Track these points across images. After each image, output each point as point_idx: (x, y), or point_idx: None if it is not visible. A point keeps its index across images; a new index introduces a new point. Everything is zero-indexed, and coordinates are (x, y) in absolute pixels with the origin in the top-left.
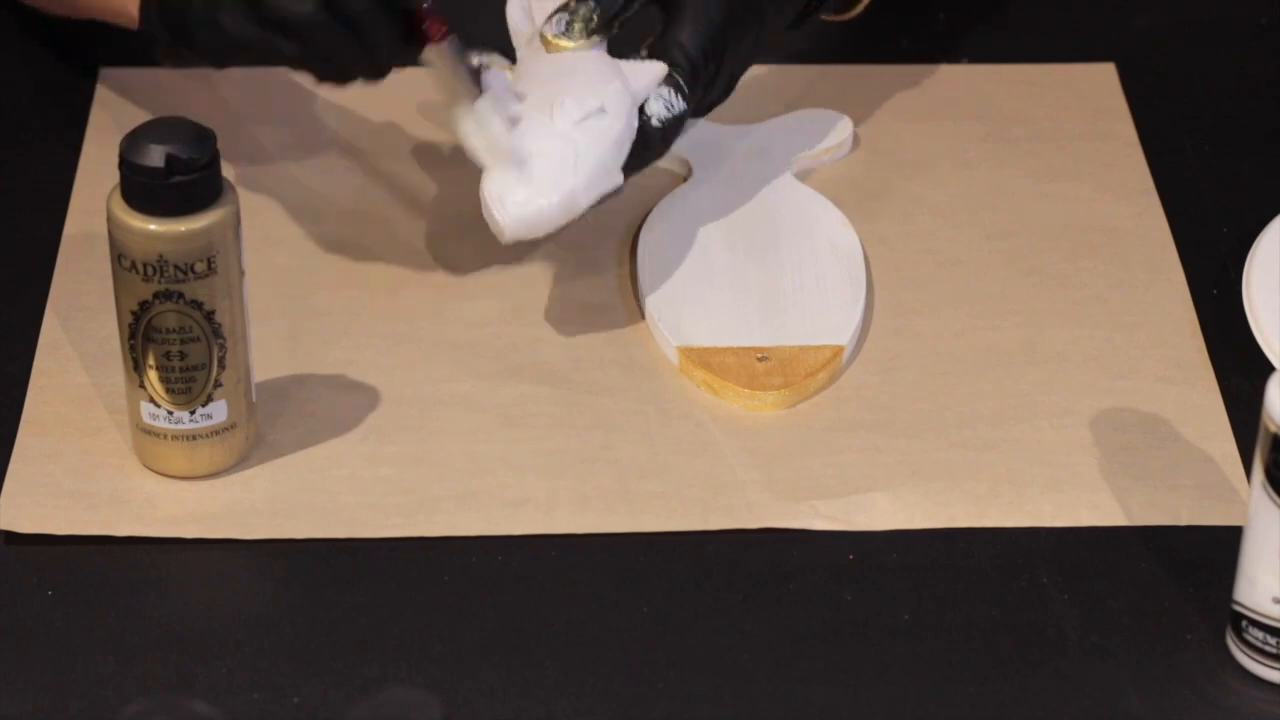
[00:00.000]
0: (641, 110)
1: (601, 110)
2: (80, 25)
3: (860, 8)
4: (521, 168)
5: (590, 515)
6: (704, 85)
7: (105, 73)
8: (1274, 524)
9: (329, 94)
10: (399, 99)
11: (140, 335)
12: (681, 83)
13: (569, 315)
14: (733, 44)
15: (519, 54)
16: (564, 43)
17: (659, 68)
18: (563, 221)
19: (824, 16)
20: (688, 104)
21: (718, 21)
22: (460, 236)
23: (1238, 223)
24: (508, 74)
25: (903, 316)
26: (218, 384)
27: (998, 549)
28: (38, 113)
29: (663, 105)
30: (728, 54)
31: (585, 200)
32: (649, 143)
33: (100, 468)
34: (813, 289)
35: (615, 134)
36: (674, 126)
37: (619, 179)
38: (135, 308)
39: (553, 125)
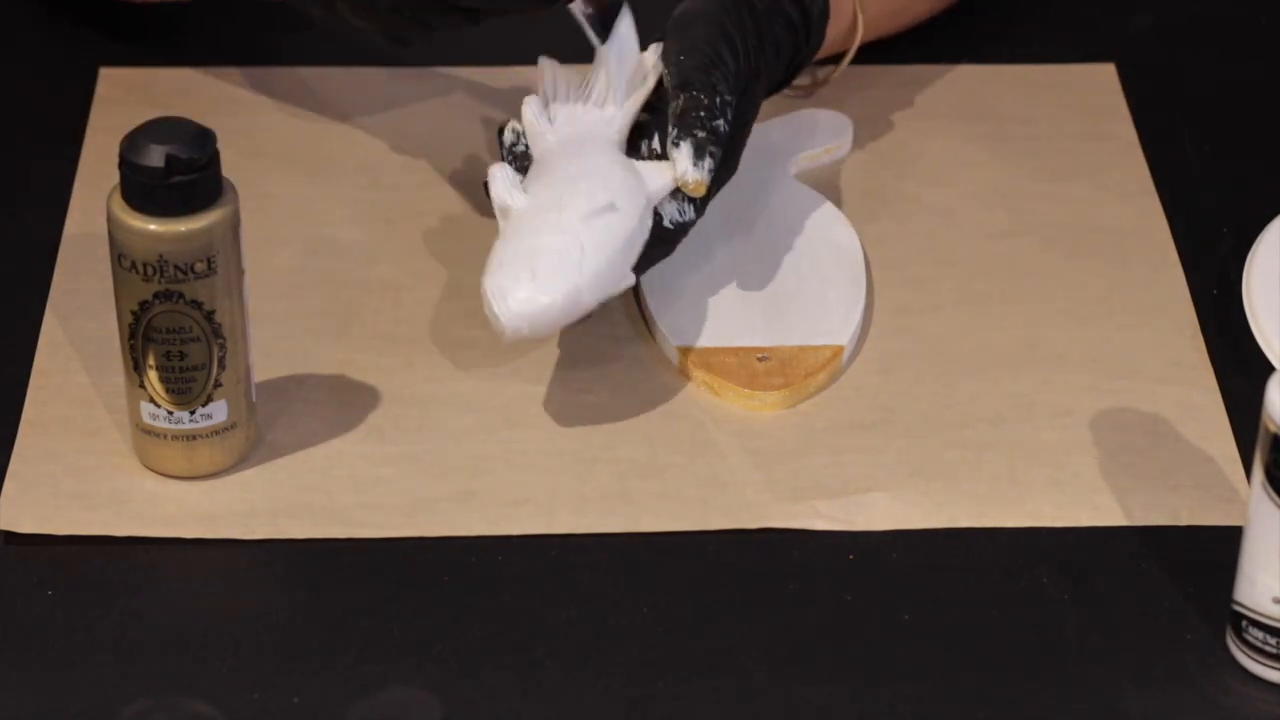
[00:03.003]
0: (656, 211)
1: (611, 207)
2: (80, 25)
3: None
4: (526, 264)
5: (590, 515)
6: (725, 174)
7: (105, 73)
8: (1274, 524)
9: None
10: (399, 99)
11: (140, 335)
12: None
13: None
14: (742, 126)
15: (534, 152)
16: None
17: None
18: (566, 320)
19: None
20: (698, 213)
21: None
22: (461, 236)
23: (1238, 223)
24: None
25: (903, 316)
26: (218, 384)
27: (998, 549)
28: (38, 113)
29: (676, 210)
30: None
31: (591, 298)
32: (659, 243)
33: (100, 468)
34: (813, 289)
35: (626, 232)
36: (684, 229)
37: (630, 278)
38: (135, 308)
39: (560, 220)
